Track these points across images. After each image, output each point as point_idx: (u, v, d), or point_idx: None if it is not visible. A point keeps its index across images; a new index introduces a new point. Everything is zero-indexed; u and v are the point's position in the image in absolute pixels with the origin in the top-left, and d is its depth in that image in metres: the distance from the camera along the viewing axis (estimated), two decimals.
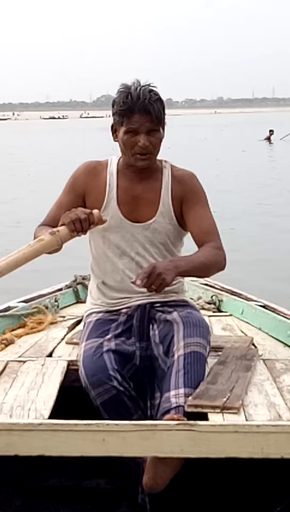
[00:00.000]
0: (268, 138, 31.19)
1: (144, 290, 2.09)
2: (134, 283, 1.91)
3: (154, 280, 1.85)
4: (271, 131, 31.40)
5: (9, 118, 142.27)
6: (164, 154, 2.23)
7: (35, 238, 2.10)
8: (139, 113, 2.05)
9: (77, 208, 2.02)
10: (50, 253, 2.09)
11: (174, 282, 2.16)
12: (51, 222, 2.15)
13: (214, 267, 2.13)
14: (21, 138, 43.03)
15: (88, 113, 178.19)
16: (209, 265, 2.10)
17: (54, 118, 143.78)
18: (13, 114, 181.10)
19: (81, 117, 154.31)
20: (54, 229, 2.01)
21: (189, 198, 2.20)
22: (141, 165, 2.13)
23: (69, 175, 2.37)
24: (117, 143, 2.16)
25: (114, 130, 2.15)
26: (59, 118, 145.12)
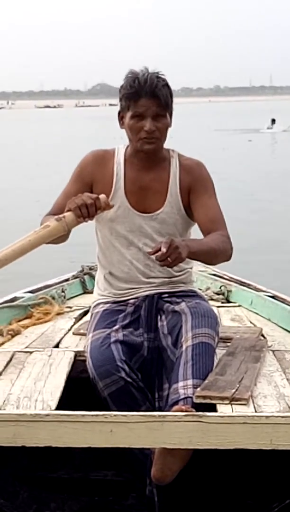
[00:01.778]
0: (271, 127, 31.11)
1: (154, 279, 2.19)
2: (154, 253, 1.88)
3: (171, 253, 1.83)
4: (273, 120, 31.33)
5: (3, 108, 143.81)
6: (168, 143, 2.20)
7: (41, 224, 2.09)
8: (146, 97, 2.04)
9: (83, 194, 2.00)
10: (56, 242, 2.10)
11: (182, 271, 2.23)
12: (58, 211, 2.13)
13: (222, 254, 2.13)
14: (17, 128, 43.58)
15: (83, 102, 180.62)
16: (218, 252, 2.10)
17: (49, 107, 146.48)
18: (8, 103, 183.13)
19: (76, 106, 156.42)
20: (60, 215, 2.00)
21: (196, 187, 2.19)
22: (148, 148, 2.10)
23: (71, 164, 2.34)
24: (123, 130, 2.15)
25: (121, 117, 2.14)
26: (54, 107, 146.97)
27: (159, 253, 1.83)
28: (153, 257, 2.01)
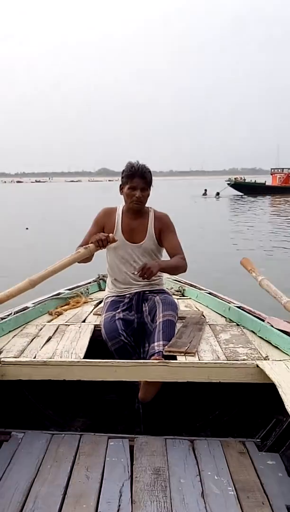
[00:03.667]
0: (205, 194, 40.36)
1: (140, 282, 2.65)
2: (138, 272, 2.45)
3: (145, 272, 2.41)
4: (205, 190, 41.00)
5: (46, 181, 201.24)
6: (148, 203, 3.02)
7: (76, 251, 2.58)
8: (138, 177, 2.56)
9: (100, 233, 2.52)
10: (84, 261, 2.57)
11: (157, 278, 2.72)
12: (85, 244, 2.60)
13: (180, 269, 2.68)
14: (55, 193, 57.94)
15: (93, 179, 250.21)
16: (178, 267, 2.66)
17: (73, 181, 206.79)
18: (49, 178, 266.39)
19: (89, 181, 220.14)
20: (86, 246, 2.52)
21: (164, 229, 2.70)
22: (136, 207, 2.61)
23: (89, 216, 2.92)
24: (122, 196, 2.68)
25: (121, 188, 2.64)
26: (76, 181, 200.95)
27: (136, 272, 2.51)
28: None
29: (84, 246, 2.54)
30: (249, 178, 52.89)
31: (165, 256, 2.79)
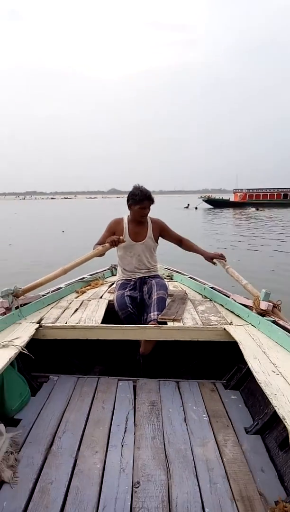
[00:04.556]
0: (187, 207, 40.57)
1: (141, 270, 2.61)
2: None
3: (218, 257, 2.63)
4: (188, 204, 41.81)
5: (72, 198, 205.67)
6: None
7: (93, 248, 2.57)
8: (146, 200, 2.52)
9: (113, 236, 2.54)
10: (101, 256, 2.55)
11: (152, 267, 2.68)
12: (100, 242, 2.59)
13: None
14: (79, 207, 56.18)
15: (106, 196, 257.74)
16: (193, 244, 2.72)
17: (90, 198, 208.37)
18: (74, 196, 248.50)
19: (102, 197, 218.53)
20: (103, 245, 2.52)
21: (163, 229, 2.68)
22: (142, 220, 2.60)
23: (103, 224, 2.87)
24: (128, 210, 2.62)
25: (130, 205, 2.57)
26: (93, 198, 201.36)
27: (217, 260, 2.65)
28: (140, 262, 2.61)
29: (102, 245, 2.52)
30: (217, 196, 53.75)
31: (164, 248, 2.78)
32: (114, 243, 2.49)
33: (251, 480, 1.40)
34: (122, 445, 1.58)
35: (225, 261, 2.67)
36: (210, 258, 2.68)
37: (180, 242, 2.71)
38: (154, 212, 2.75)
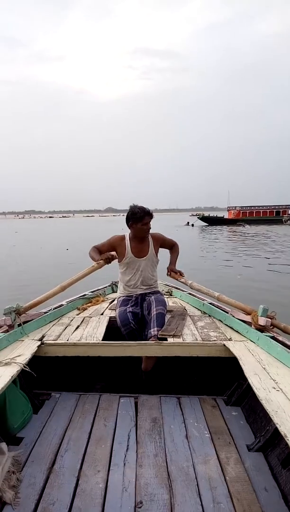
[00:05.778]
0: (187, 224, 40.39)
1: (143, 286, 2.59)
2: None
3: (171, 272, 2.70)
4: (188, 222, 41.21)
5: (70, 216, 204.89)
6: (125, 231, 2.78)
7: (89, 253, 2.54)
8: (145, 216, 2.52)
9: (108, 253, 2.55)
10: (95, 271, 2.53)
11: (153, 283, 2.66)
12: (99, 248, 2.59)
13: (178, 251, 2.79)
14: (77, 224, 56.44)
15: (102, 214, 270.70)
16: (177, 252, 2.78)
17: (88, 216, 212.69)
18: (73, 214, 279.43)
19: (99, 216, 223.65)
20: (98, 261, 2.49)
21: (161, 240, 2.69)
22: (144, 236, 2.59)
23: (102, 237, 2.84)
24: (130, 229, 2.60)
25: (131, 224, 2.55)
26: (90, 216, 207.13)
27: (168, 273, 2.71)
28: (143, 277, 2.58)
29: (97, 262, 2.53)
30: (210, 214, 54.48)
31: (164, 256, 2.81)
32: (108, 260, 2.51)
33: (255, 500, 1.36)
34: (124, 464, 1.54)
35: (183, 277, 2.72)
36: (169, 269, 2.76)
37: (173, 246, 2.77)
38: (158, 230, 2.78)
